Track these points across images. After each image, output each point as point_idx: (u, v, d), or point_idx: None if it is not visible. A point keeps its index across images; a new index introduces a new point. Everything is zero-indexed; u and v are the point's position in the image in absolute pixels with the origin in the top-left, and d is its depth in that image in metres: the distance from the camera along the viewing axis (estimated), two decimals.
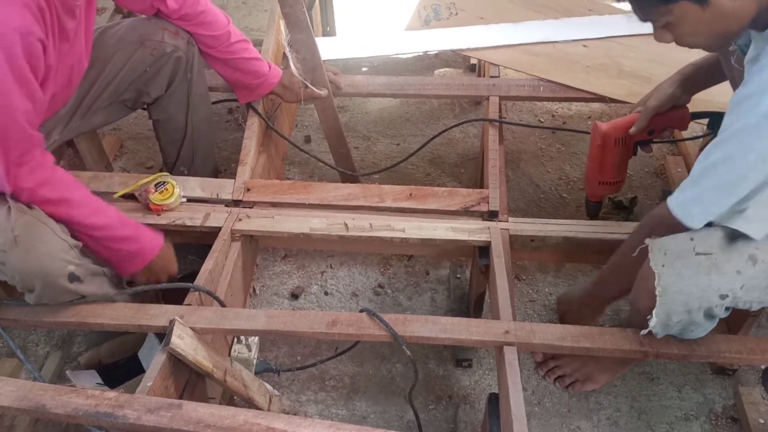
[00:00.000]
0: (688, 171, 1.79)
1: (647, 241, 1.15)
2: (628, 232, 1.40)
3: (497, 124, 1.68)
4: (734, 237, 1.08)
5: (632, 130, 1.43)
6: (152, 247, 1.34)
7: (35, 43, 1.11)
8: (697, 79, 1.41)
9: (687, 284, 1.08)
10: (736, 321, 1.40)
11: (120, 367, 1.47)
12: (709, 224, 1.09)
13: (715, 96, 1.48)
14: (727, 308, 1.11)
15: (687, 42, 1.07)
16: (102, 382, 1.42)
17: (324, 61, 1.64)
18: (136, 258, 1.32)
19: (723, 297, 1.07)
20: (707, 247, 1.08)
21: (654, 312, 1.12)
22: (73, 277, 1.20)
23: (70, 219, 1.23)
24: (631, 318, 1.28)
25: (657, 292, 1.10)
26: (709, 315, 1.11)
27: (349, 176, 1.81)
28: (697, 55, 1.48)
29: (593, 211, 1.56)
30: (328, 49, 1.91)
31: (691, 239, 1.10)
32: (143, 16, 1.52)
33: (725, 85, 1.37)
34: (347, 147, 1.80)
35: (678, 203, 1.10)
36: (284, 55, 1.60)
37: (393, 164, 1.86)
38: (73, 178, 1.28)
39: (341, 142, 1.77)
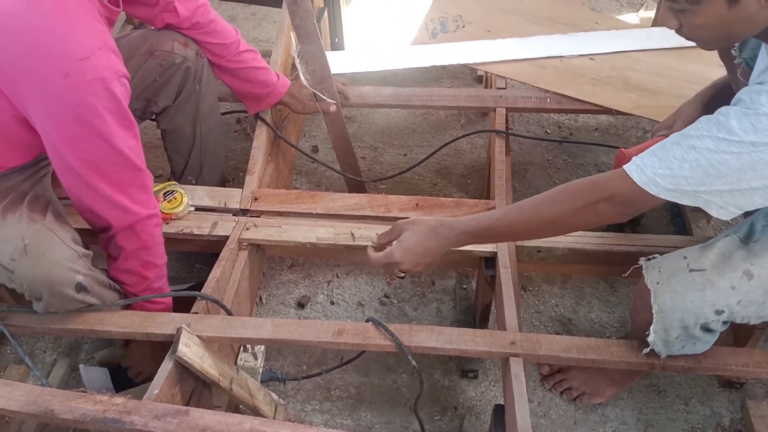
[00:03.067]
0: None
1: (641, 261, 1.15)
2: (635, 244, 1.41)
3: (504, 135, 1.69)
4: (728, 253, 1.08)
5: None
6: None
7: (126, 83, 1.16)
8: (718, 100, 1.38)
9: (682, 301, 1.08)
10: (743, 334, 1.40)
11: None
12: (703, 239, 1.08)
13: None
14: (724, 322, 1.11)
15: (691, 33, 1.03)
16: (110, 383, 1.43)
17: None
18: None
19: (719, 312, 1.07)
20: (700, 264, 1.08)
21: (652, 328, 1.12)
22: (80, 287, 1.21)
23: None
24: (632, 333, 1.29)
25: (654, 310, 1.10)
26: (706, 329, 1.11)
27: (356, 182, 1.82)
28: (703, 69, 1.50)
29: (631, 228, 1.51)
30: (336, 63, 1.92)
31: (684, 257, 1.11)
32: (153, 27, 1.54)
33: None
34: (355, 157, 1.81)
35: (636, 167, 1.01)
36: (293, 66, 1.62)
37: (399, 172, 1.87)
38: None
39: (349, 152, 1.79)
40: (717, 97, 1.39)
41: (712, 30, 1.01)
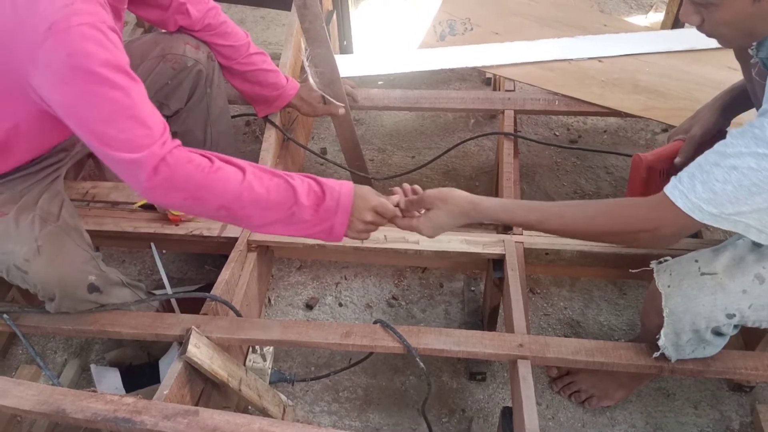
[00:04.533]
0: None
1: (652, 264, 1.15)
2: (643, 247, 1.40)
3: (512, 137, 1.69)
4: (740, 257, 1.08)
5: (678, 160, 1.36)
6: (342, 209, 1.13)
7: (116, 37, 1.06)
8: (737, 104, 1.38)
9: (693, 304, 1.07)
10: (752, 337, 1.39)
11: (141, 372, 1.49)
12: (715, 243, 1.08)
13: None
14: (735, 326, 1.10)
15: (713, 30, 1.02)
16: (121, 383, 1.45)
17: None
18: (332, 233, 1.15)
19: (730, 316, 1.07)
20: (712, 268, 1.08)
21: (662, 332, 1.11)
22: (92, 288, 1.22)
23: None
24: (641, 336, 1.28)
25: (665, 313, 1.10)
26: (717, 333, 1.11)
27: (363, 179, 1.81)
28: (712, 72, 1.49)
29: None
30: (345, 66, 1.93)
31: (696, 261, 1.10)
32: (164, 30, 1.55)
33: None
34: (363, 159, 1.82)
35: (680, 193, 1.00)
36: (302, 69, 1.63)
37: (406, 172, 1.88)
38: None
39: (357, 154, 1.79)
40: (736, 102, 1.38)
41: (734, 26, 1.00)
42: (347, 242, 1.44)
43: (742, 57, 1.26)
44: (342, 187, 1.14)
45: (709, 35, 1.05)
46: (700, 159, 1.00)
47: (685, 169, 1.01)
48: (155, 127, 1.05)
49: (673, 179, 1.02)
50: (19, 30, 1.01)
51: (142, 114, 1.04)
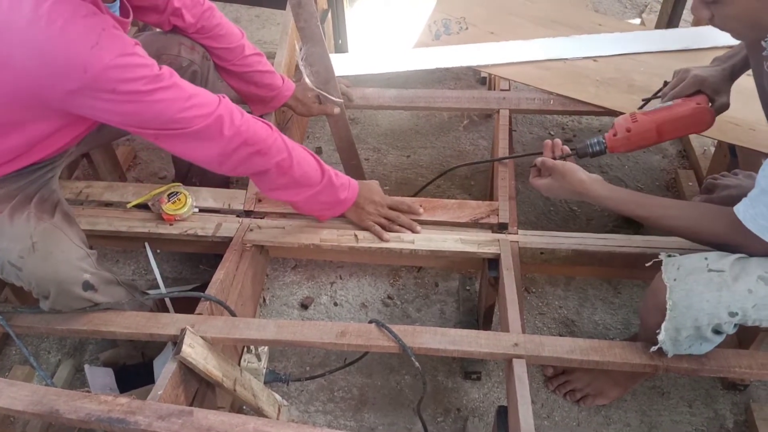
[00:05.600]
0: (700, 184, 1.81)
1: (662, 256, 1.16)
2: (639, 245, 1.41)
3: (507, 134, 1.69)
4: (747, 257, 1.08)
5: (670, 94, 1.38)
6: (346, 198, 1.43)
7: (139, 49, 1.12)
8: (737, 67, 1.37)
9: (697, 299, 1.08)
10: (747, 336, 1.40)
11: (135, 372, 1.48)
12: None
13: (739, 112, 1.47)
14: (735, 325, 1.11)
15: (723, 24, 1.05)
16: (115, 383, 1.44)
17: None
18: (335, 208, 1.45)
19: (732, 314, 1.07)
20: (720, 265, 1.09)
21: (663, 326, 1.11)
22: (87, 286, 1.22)
23: None
24: (641, 334, 1.28)
25: (668, 306, 1.10)
26: (717, 331, 1.11)
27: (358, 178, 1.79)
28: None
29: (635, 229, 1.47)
30: (340, 65, 1.93)
31: (706, 258, 1.11)
32: (159, 30, 1.54)
33: (748, 101, 1.37)
34: (358, 158, 1.82)
35: (750, 217, 1.06)
36: (297, 68, 1.62)
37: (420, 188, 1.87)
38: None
39: (352, 153, 1.79)
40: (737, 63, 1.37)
41: (743, 20, 1.02)
42: (343, 242, 1.45)
43: (754, 50, 1.25)
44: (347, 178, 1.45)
45: (721, 29, 1.07)
46: (763, 185, 1.04)
47: (752, 192, 1.06)
48: (203, 91, 1.20)
49: (744, 201, 1.07)
50: (47, 75, 1.05)
51: (190, 89, 1.17)
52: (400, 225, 1.45)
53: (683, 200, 1.32)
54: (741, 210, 1.07)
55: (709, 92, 1.35)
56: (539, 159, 1.36)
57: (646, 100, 1.53)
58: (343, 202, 1.43)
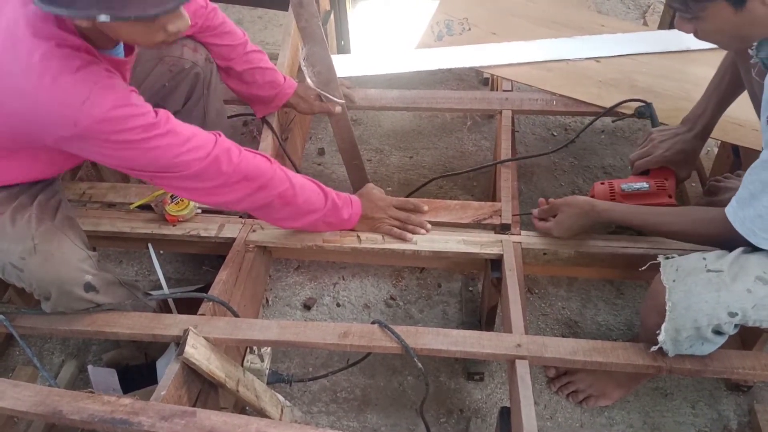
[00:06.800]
0: (703, 185, 1.81)
1: (660, 258, 1.16)
2: (641, 246, 1.41)
3: (509, 135, 1.69)
4: (746, 258, 1.08)
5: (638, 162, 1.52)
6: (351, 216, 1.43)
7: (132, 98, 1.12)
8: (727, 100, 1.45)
9: (696, 300, 1.08)
10: (750, 337, 1.39)
11: (138, 373, 1.48)
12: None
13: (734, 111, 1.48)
14: (736, 325, 1.10)
15: (706, 37, 1.09)
16: (118, 384, 1.44)
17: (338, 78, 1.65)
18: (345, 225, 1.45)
19: (732, 315, 1.07)
20: (718, 265, 1.09)
21: (663, 327, 1.11)
22: (89, 287, 1.22)
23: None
24: (641, 336, 1.28)
25: (667, 308, 1.10)
26: (717, 332, 1.11)
27: (361, 182, 1.77)
28: (709, 72, 1.49)
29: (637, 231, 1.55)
30: (342, 66, 1.93)
31: (704, 258, 1.11)
32: None
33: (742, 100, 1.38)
34: (361, 159, 1.81)
35: (739, 220, 1.09)
36: (299, 69, 1.63)
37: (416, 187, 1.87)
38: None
39: (355, 154, 1.79)
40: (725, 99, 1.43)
41: (725, 34, 1.06)
42: (345, 242, 1.45)
43: (742, 57, 1.26)
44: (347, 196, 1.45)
45: (706, 41, 1.11)
46: (750, 188, 1.07)
47: (740, 193, 1.09)
48: (200, 132, 1.19)
49: (732, 202, 1.10)
50: (39, 123, 1.07)
51: (186, 132, 1.15)
52: (411, 224, 1.45)
53: (678, 207, 1.37)
54: (730, 212, 1.10)
55: (674, 168, 1.48)
56: (537, 210, 1.46)
57: None
58: (348, 220, 1.43)
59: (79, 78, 1.04)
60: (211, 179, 1.19)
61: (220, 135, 1.22)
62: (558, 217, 1.41)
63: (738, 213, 1.09)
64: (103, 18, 0.95)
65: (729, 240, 1.12)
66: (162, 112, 1.14)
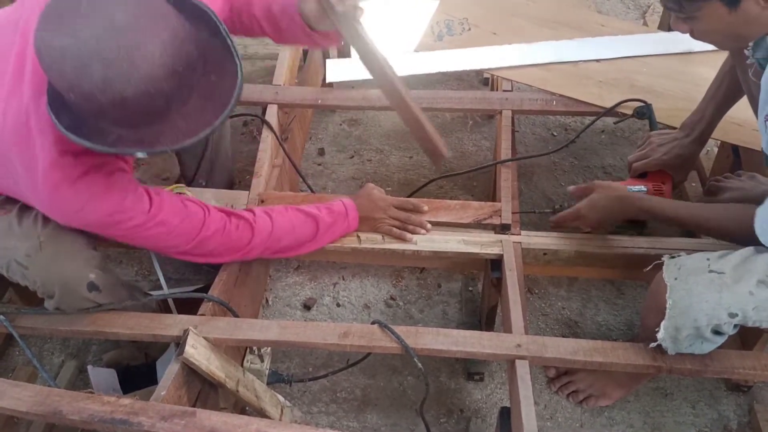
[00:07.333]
0: (703, 185, 1.80)
1: (664, 257, 1.16)
2: (642, 246, 1.41)
3: (509, 135, 1.69)
4: (748, 259, 1.08)
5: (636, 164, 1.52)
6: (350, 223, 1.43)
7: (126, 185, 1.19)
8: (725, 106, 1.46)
9: (697, 300, 1.08)
10: (750, 337, 1.39)
11: (138, 373, 1.48)
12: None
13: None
14: (735, 326, 1.10)
15: (702, 37, 1.10)
16: (118, 384, 1.44)
17: (338, 83, 1.67)
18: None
19: (732, 315, 1.07)
20: (720, 266, 1.09)
21: (663, 325, 1.11)
22: (92, 286, 1.22)
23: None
24: (641, 335, 1.28)
25: (667, 306, 1.10)
26: (717, 332, 1.11)
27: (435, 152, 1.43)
28: (709, 72, 1.50)
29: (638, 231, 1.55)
30: (342, 70, 1.93)
31: (707, 258, 1.11)
32: None
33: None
34: (425, 131, 1.42)
35: (759, 219, 1.08)
36: (300, 70, 1.61)
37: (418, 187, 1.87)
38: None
39: (418, 125, 1.43)
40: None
41: (721, 33, 1.06)
42: (345, 243, 1.45)
43: (739, 58, 1.27)
44: (341, 200, 1.45)
45: (701, 41, 1.11)
46: None
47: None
48: (188, 215, 1.24)
49: (763, 205, 1.09)
50: (42, 208, 1.19)
51: (175, 220, 1.22)
52: (411, 224, 1.45)
53: (716, 203, 1.40)
54: (759, 214, 1.09)
55: (671, 172, 1.49)
56: (572, 188, 1.47)
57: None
58: (347, 228, 1.43)
59: (78, 189, 1.10)
60: (198, 256, 1.31)
61: (208, 213, 1.27)
62: (592, 195, 1.38)
63: (760, 213, 1.09)
64: (140, 155, 1.03)
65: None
66: (156, 201, 1.19)
